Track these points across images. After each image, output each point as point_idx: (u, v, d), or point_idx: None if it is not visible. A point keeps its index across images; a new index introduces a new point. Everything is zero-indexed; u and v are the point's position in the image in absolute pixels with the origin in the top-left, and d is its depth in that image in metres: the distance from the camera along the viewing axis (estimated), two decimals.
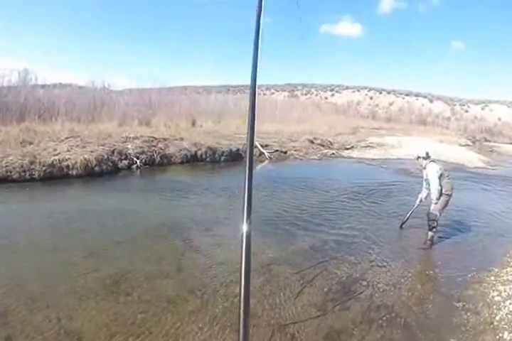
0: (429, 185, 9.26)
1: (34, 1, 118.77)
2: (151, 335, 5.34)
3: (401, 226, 10.39)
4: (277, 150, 24.91)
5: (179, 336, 5.35)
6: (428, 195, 9.44)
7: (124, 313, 5.85)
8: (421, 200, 9.95)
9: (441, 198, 9.00)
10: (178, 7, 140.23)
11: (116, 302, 6.18)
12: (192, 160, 20.17)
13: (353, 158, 26.63)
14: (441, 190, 8.96)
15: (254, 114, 2.13)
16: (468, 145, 38.02)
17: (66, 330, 5.36)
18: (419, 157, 9.48)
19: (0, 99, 20.67)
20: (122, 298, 6.30)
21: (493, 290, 7.11)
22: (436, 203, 8.96)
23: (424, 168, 9.39)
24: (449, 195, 9.07)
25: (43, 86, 28.87)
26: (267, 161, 23.23)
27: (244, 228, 1.89)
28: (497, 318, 6.15)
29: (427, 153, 9.41)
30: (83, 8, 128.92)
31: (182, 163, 19.66)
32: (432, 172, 9.06)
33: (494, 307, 6.53)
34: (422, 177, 9.71)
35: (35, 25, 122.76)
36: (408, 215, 10.22)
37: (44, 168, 14.20)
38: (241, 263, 1.81)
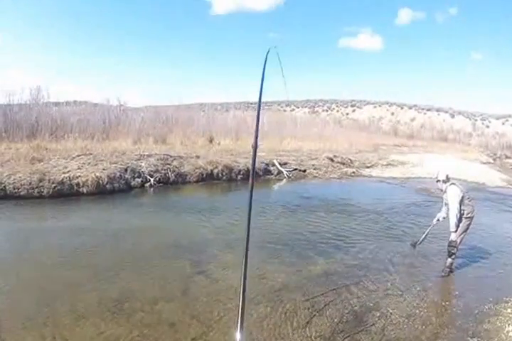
0: (448, 211, 8.84)
1: (49, 18, 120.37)
2: None
3: (414, 246, 10.00)
4: (296, 169, 24.62)
5: None
6: (445, 217, 9.04)
7: (122, 336, 5.70)
8: (438, 220, 9.52)
9: (462, 222, 8.58)
10: (193, 22, 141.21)
11: (115, 324, 6.03)
12: (208, 178, 19.92)
13: (374, 176, 26.27)
14: (461, 215, 8.53)
15: (258, 125, 2.27)
16: (489, 162, 37.67)
17: None
18: (438, 180, 8.99)
19: (11, 117, 20.73)
20: (122, 320, 6.14)
21: (510, 325, 6.72)
22: (455, 231, 8.48)
23: (445, 192, 8.92)
24: (471, 218, 8.65)
25: (56, 103, 29.05)
26: (285, 180, 22.95)
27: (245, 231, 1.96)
28: None
29: (447, 176, 8.96)
30: (100, 26, 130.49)
31: (197, 181, 19.41)
32: (452, 196, 8.59)
33: None
34: (442, 198, 9.27)
35: (51, 43, 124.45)
36: (424, 236, 9.86)
37: (53, 186, 14.12)
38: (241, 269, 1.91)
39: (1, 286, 7.06)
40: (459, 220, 8.49)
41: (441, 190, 9.00)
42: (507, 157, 51.23)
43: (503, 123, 76.98)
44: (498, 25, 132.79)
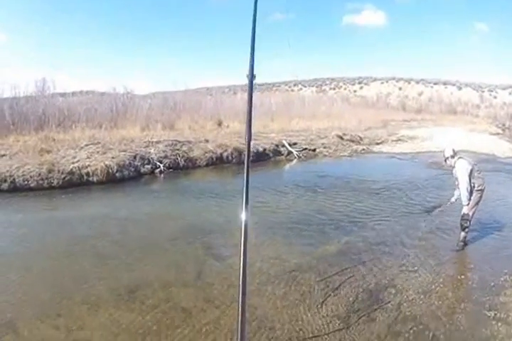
0: (459, 185, 8.73)
1: (53, 10, 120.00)
2: None
3: (429, 213, 9.94)
4: (306, 149, 24.50)
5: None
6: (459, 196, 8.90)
7: (136, 323, 5.68)
8: (456, 199, 9.22)
9: (474, 194, 8.46)
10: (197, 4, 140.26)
11: (129, 311, 6.01)
12: (217, 162, 19.86)
13: (384, 152, 26.12)
14: (471, 188, 8.42)
15: (251, 106, 2.16)
16: (498, 133, 37.34)
17: (74, 339, 5.25)
18: (447, 158, 8.84)
19: (18, 110, 20.66)
20: (136, 308, 6.13)
21: None
22: (467, 204, 8.40)
23: (454, 167, 8.76)
24: (482, 191, 8.53)
25: (62, 94, 29.00)
26: (295, 160, 22.92)
27: (243, 216, 1.95)
28: None
29: (453, 150, 8.81)
30: (101, 14, 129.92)
31: (207, 165, 19.37)
32: (461, 170, 8.46)
33: None
34: (453, 174, 9.15)
35: (50, 37, 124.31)
36: (437, 210, 9.80)
37: (63, 176, 14.11)
38: (240, 251, 1.89)
39: (14, 278, 7.05)
40: (470, 193, 8.38)
41: (451, 166, 8.88)
42: None
43: (510, 94, 76.40)
44: None
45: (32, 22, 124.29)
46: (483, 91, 77.71)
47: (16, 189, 13.09)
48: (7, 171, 13.32)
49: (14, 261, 7.75)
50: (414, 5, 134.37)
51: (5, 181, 13.08)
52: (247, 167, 1.99)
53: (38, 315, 5.75)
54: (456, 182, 8.83)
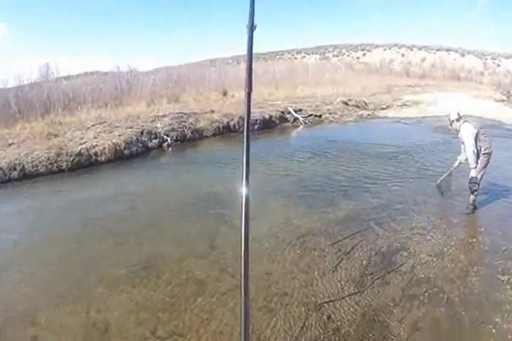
0: (465, 148, 8.72)
1: None
2: (180, 321, 5.22)
3: (440, 187, 9.88)
4: (311, 115, 24.34)
5: (210, 319, 5.20)
6: (467, 159, 8.84)
7: (153, 299, 5.76)
8: (460, 162, 9.35)
9: (481, 158, 8.45)
10: None
11: (145, 288, 6.07)
12: (225, 131, 19.79)
13: (390, 117, 25.85)
14: (478, 151, 8.40)
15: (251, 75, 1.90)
16: (503, 100, 36.98)
17: (94, 323, 5.27)
18: (452, 121, 8.84)
19: (23, 97, 20.58)
20: (152, 283, 6.18)
21: None
22: (475, 167, 8.41)
23: (459, 131, 8.78)
24: (489, 154, 8.51)
25: (67, 77, 28.92)
26: (301, 126, 22.81)
27: (244, 191, 1.71)
28: None
29: (459, 114, 8.80)
30: None
31: (214, 135, 19.28)
32: (466, 134, 8.47)
33: None
34: (459, 138, 9.14)
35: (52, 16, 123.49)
36: (445, 175, 9.76)
37: (71, 158, 14.02)
38: (241, 226, 1.60)
39: (28, 265, 7.05)
40: (477, 156, 8.39)
41: (456, 130, 8.88)
42: None
43: None
44: None
45: (31, 7, 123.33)
46: (486, 59, 76.91)
47: (26, 176, 13.03)
48: (16, 159, 13.24)
49: (28, 249, 7.73)
50: None
51: (14, 169, 12.99)
52: (247, 135, 1.79)
53: (54, 302, 5.79)
54: (462, 146, 8.86)
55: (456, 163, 9.43)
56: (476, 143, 8.34)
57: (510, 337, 4.79)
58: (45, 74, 24.92)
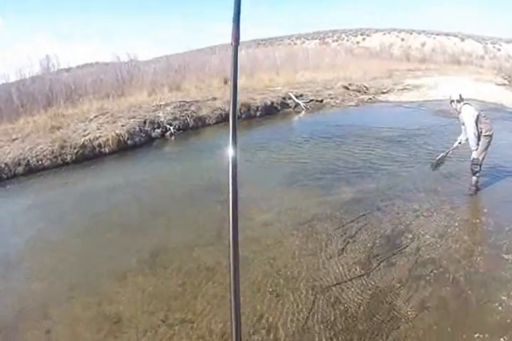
0: (466, 130, 8.78)
1: None
2: (191, 308, 5.31)
3: (435, 167, 9.96)
4: (312, 100, 24.32)
5: (220, 305, 5.29)
6: (467, 139, 8.90)
7: (163, 288, 5.83)
8: (460, 143, 9.39)
9: (482, 140, 8.52)
10: None
11: (155, 277, 6.13)
12: (227, 118, 19.44)
13: (391, 101, 25.84)
14: (479, 133, 8.47)
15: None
16: (504, 84, 36.82)
17: (106, 314, 5.32)
18: (452, 101, 8.88)
19: (25, 91, 20.58)
20: (161, 273, 6.25)
21: None
22: (476, 149, 8.48)
23: (459, 112, 8.83)
24: (490, 136, 8.58)
25: (67, 69, 28.82)
26: (303, 112, 22.78)
27: (231, 152, 1.67)
28: None
29: (460, 96, 8.83)
30: None
31: (217, 123, 19.20)
32: (467, 115, 8.54)
33: None
34: (459, 119, 9.18)
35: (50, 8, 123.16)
36: (442, 155, 9.78)
37: (75, 151, 14.04)
38: (229, 190, 1.63)
39: (40, 259, 7.12)
40: (478, 138, 8.46)
41: (456, 110, 8.93)
42: None
43: None
44: None
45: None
46: (486, 43, 76.52)
47: (31, 170, 13.03)
48: (20, 154, 13.23)
49: (38, 243, 7.79)
50: None
51: (19, 165, 12.99)
52: (234, 95, 1.57)
53: (66, 295, 5.86)
54: (463, 127, 8.91)
55: (456, 143, 9.47)
56: (476, 125, 8.41)
57: None
58: (46, 66, 24.86)
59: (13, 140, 14.47)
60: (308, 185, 9.78)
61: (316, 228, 7.41)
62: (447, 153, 9.72)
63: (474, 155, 8.54)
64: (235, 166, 1.67)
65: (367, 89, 28.47)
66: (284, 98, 23.12)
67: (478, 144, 8.44)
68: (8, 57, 66.38)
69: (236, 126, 1.65)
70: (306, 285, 5.61)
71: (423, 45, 76.76)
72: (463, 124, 8.81)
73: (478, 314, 4.91)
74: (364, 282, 5.61)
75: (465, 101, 8.77)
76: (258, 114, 20.94)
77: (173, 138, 16.79)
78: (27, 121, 17.04)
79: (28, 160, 13.06)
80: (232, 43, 1.71)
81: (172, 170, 12.06)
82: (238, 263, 1.52)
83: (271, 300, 5.30)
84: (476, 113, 8.48)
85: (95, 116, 16.81)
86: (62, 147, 13.73)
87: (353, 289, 5.45)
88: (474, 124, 8.37)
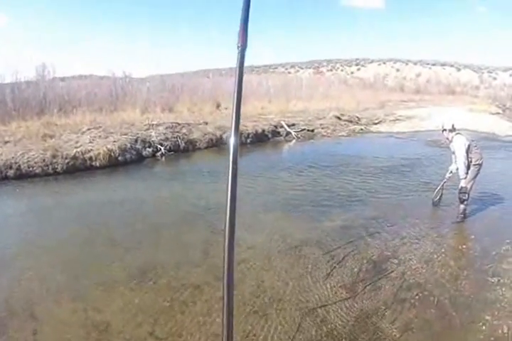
0: (456, 159, 8.93)
1: None
2: (178, 323, 5.29)
3: (434, 203, 10.00)
4: (304, 129, 24.67)
5: (206, 323, 5.26)
6: (457, 168, 9.01)
7: (151, 302, 5.83)
8: (451, 172, 9.55)
9: (471, 169, 8.71)
10: None
11: (142, 291, 6.15)
12: (217, 143, 19.84)
13: (382, 132, 26.24)
14: (468, 163, 8.66)
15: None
16: (498, 113, 37.22)
17: (93, 321, 5.36)
18: (444, 130, 9.07)
19: (19, 95, 20.70)
20: (149, 287, 6.27)
21: None
22: (465, 177, 8.64)
23: (451, 141, 9.00)
24: (479, 165, 8.77)
25: (62, 78, 29.09)
26: (294, 141, 23.03)
27: (232, 141, 1.58)
28: None
29: (453, 126, 9.02)
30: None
31: (207, 147, 19.36)
32: (458, 145, 8.71)
33: None
34: (450, 148, 9.31)
35: (52, 17, 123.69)
36: (438, 188, 9.89)
37: (67, 161, 14.11)
38: (227, 183, 1.51)
39: (29, 264, 7.10)
40: (468, 167, 8.63)
41: (448, 139, 9.07)
42: None
43: (511, 75, 76.05)
44: None
45: (33, 4, 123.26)
46: (482, 73, 77.43)
47: (22, 175, 13.13)
48: (12, 158, 13.34)
49: (28, 247, 7.83)
50: None
51: (11, 168, 13.10)
52: (239, 90, 1.49)
53: (55, 300, 5.88)
54: (453, 156, 9.05)
55: (448, 174, 9.64)
56: (467, 154, 8.59)
57: (500, 332, 4.93)
58: (42, 73, 25.01)
59: (6, 142, 14.60)
60: (298, 212, 9.83)
61: (304, 253, 7.45)
62: (442, 185, 9.81)
63: (463, 183, 8.68)
64: (235, 155, 1.58)
65: (359, 119, 28.80)
66: (275, 126, 23.40)
67: (467, 173, 8.61)
68: (7, 57, 66.65)
69: (239, 112, 1.56)
70: (292, 306, 5.63)
71: (418, 75, 77.65)
72: (453, 153, 8.96)
73: (462, 334, 4.98)
74: (350, 304, 5.64)
75: (457, 131, 8.93)
76: (249, 140, 21.12)
77: (163, 158, 16.93)
78: (20, 125, 17.18)
79: (20, 165, 13.17)
80: (238, 46, 1.69)
81: (162, 191, 12.10)
82: (233, 280, 1.45)
83: (258, 320, 5.31)
84: (467, 143, 8.64)
85: (88, 129, 16.94)
86: (53, 156, 13.84)
87: (338, 311, 5.48)
88: (465, 154, 8.55)
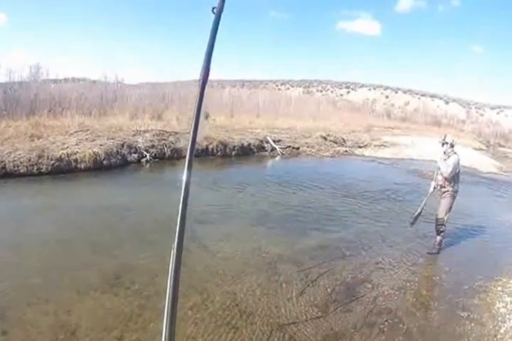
0: (442, 172, 8.85)
1: None
2: (147, 330, 5.32)
3: (412, 223, 9.89)
4: (289, 146, 24.76)
5: (176, 331, 5.23)
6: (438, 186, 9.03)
7: (122, 308, 5.86)
8: (434, 188, 9.26)
9: (449, 199, 8.81)
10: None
11: (115, 296, 6.19)
12: (203, 154, 19.85)
13: (366, 156, 26.38)
14: (456, 178, 8.82)
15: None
16: (482, 149, 37.53)
17: (62, 324, 5.35)
18: (446, 143, 8.95)
19: (10, 94, 20.67)
20: (122, 293, 6.30)
21: (499, 301, 6.95)
22: (446, 176, 8.73)
23: (448, 156, 8.86)
24: (456, 192, 8.89)
25: (55, 80, 28.96)
26: (278, 157, 23.18)
27: (184, 177, 1.70)
28: (501, 331, 5.99)
29: (454, 141, 9.05)
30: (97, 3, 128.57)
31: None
32: (454, 164, 8.69)
33: (499, 319, 6.37)
34: (437, 162, 9.23)
35: (49, 18, 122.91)
36: (419, 210, 9.78)
37: (52, 162, 14.09)
38: (178, 211, 1.62)
39: (3, 265, 7.10)
40: (455, 181, 8.83)
41: (444, 153, 8.98)
42: (500, 145, 50.55)
43: (498, 113, 76.51)
44: (500, 19, 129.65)
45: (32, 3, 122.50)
46: (470, 108, 77.94)
47: (7, 175, 13.08)
48: None
49: (2, 250, 7.78)
50: (411, 18, 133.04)
51: None
52: (195, 129, 1.51)
53: (27, 302, 5.87)
54: (438, 171, 9.04)
55: (431, 189, 9.34)
56: (457, 173, 8.79)
57: None
58: (35, 74, 24.94)
59: None
60: (274, 229, 9.90)
61: (279, 269, 7.52)
62: (424, 204, 9.69)
63: (440, 215, 8.80)
64: (187, 190, 1.71)
65: (344, 141, 28.86)
66: (261, 141, 23.46)
67: (452, 186, 8.81)
68: (2, 57, 66.21)
69: (193, 154, 1.70)
70: (263, 321, 5.69)
71: (406, 104, 77.90)
72: (439, 169, 8.98)
73: None
74: (320, 324, 5.70)
75: (455, 151, 8.96)
76: (234, 153, 21.27)
77: (148, 165, 16.96)
78: (8, 124, 17.09)
79: (5, 164, 13.06)
80: (213, 10, 1.74)
81: (143, 197, 12.14)
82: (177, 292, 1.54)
83: (227, 333, 5.36)
84: (459, 168, 8.81)
85: (75, 131, 16.91)
86: (39, 156, 13.78)
87: (308, 329, 5.54)
88: (456, 172, 8.74)
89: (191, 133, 1.69)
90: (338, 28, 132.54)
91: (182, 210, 1.65)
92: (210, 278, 6.89)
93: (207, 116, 26.95)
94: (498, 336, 5.81)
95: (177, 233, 1.61)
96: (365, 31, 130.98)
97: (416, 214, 9.66)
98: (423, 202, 9.58)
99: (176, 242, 1.62)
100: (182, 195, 1.69)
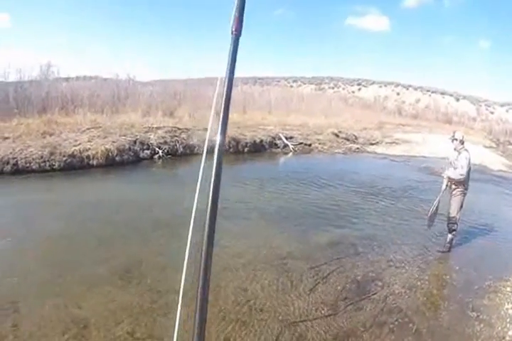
0: (454, 169, 8.76)
1: None
2: (159, 326, 5.34)
3: (429, 225, 9.68)
4: (301, 143, 24.81)
5: (188, 329, 5.25)
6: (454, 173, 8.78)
7: (132, 302, 5.89)
8: (446, 186, 9.06)
9: (461, 197, 8.77)
10: None
11: (126, 291, 6.22)
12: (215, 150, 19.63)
13: (378, 153, 26.29)
14: (468, 177, 8.69)
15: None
16: (492, 147, 37.22)
17: (73, 318, 5.39)
18: (455, 139, 8.85)
19: (22, 93, 20.74)
20: (132, 288, 6.34)
21: (509, 302, 6.90)
22: (462, 176, 8.59)
23: (459, 153, 8.73)
24: (467, 190, 8.83)
25: (66, 79, 29.06)
26: (290, 153, 23.22)
27: (218, 139, 1.66)
28: (510, 333, 5.94)
29: (463, 137, 8.95)
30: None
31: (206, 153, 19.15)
32: (466, 160, 8.57)
33: (508, 320, 6.31)
34: (448, 159, 9.20)
35: (61, 18, 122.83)
36: (434, 209, 9.49)
37: (64, 159, 14.20)
38: (210, 182, 1.57)
39: (15, 261, 7.19)
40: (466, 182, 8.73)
41: (455, 150, 8.87)
42: (510, 143, 50.18)
43: (507, 111, 75.83)
44: (505, 13, 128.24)
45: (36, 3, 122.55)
46: (480, 106, 77.27)
47: (18, 171, 13.22)
48: (10, 153, 13.43)
49: (14, 245, 7.87)
50: (418, 13, 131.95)
51: (7, 163, 13.19)
52: (230, 84, 1.41)
53: (38, 296, 5.92)
54: (448, 167, 9.01)
55: (443, 186, 9.14)
56: (468, 170, 8.62)
57: None
58: (46, 72, 24.99)
59: (5, 138, 14.61)
60: (287, 226, 9.87)
61: (290, 266, 7.51)
62: (437, 204, 9.48)
63: (452, 213, 8.74)
64: (220, 154, 1.64)
65: (356, 138, 28.79)
66: (273, 138, 23.50)
67: (465, 184, 8.75)
68: (11, 56, 66.34)
69: (228, 112, 1.65)
70: (273, 318, 5.69)
71: (417, 101, 77.36)
72: (450, 163, 8.92)
73: None
74: (329, 322, 5.69)
75: (465, 147, 8.87)
76: (246, 149, 21.29)
77: (160, 161, 16.98)
78: (20, 122, 17.14)
79: (17, 161, 13.19)
80: (232, 32, 1.64)
81: (157, 193, 12.16)
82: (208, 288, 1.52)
83: (237, 328, 5.36)
84: (470, 165, 8.70)
85: (87, 129, 16.98)
86: (51, 153, 13.86)
87: (318, 327, 5.53)
88: (467, 170, 8.56)
89: (220, 126, 1.66)
90: (346, 23, 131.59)
91: (212, 207, 1.57)
92: (222, 274, 6.87)
93: (217, 113, 26.97)
94: (507, 338, 5.77)
95: (207, 228, 1.53)
96: (374, 27, 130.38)
97: (430, 214, 9.47)
98: (436, 201, 9.40)
99: (205, 236, 1.51)
100: (212, 186, 1.59)
